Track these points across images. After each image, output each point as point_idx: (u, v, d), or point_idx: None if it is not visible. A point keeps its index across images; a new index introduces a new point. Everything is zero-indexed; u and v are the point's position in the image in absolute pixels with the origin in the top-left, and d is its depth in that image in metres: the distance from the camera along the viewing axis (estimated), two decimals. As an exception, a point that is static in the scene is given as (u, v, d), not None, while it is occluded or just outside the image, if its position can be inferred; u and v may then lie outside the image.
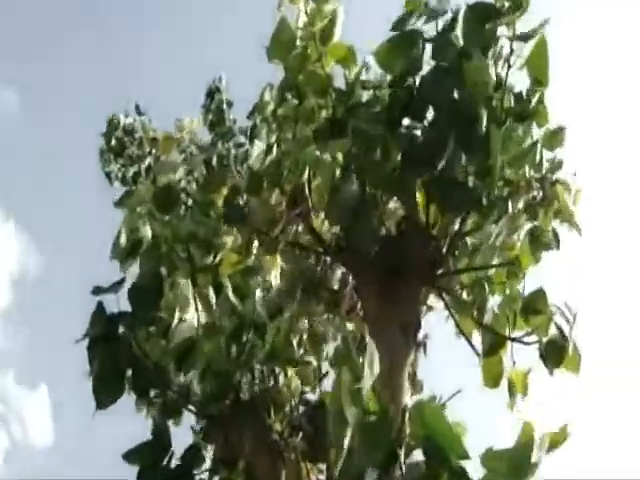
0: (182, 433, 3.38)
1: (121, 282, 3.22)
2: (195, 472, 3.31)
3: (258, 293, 3.26)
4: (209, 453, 3.36)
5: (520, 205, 3.43)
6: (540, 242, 3.52)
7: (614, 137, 11.79)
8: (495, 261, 3.41)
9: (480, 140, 3.02)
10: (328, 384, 3.38)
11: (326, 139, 3.26)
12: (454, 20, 3.13)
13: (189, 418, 3.39)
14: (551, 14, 3.12)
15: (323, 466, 3.21)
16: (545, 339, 3.27)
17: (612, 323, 9.62)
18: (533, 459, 2.09)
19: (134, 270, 3.27)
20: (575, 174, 3.65)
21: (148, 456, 3.24)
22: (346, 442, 2.08)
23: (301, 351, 3.50)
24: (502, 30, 3.15)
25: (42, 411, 19.15)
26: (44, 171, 18.05)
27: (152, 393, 3.30)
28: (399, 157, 3.15)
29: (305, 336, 3.52)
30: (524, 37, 3.10)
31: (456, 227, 3.28)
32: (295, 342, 3.44)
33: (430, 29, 3.17)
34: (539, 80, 3.18)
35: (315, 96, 3.36)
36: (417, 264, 3.22)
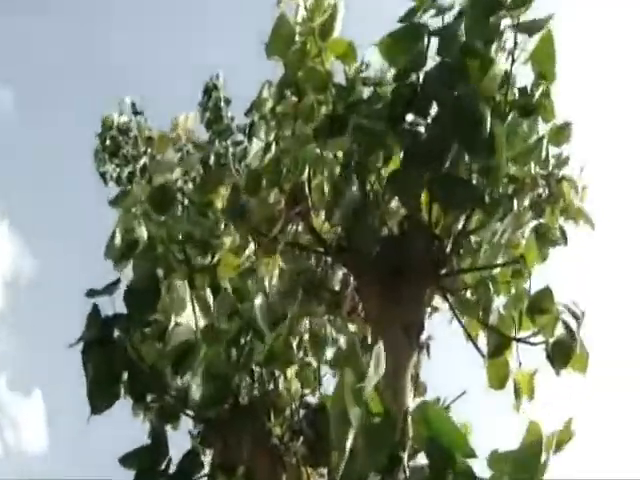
0: (180, 438, 3.34)
1: (116, 283, 3.17)
2: (193, 478, 3.25)
3: (258, 298, 3.21)
4: (208, 458, 3.31)
5: (526, 202, 3.39)
6: (546, 239, 3.48)
7: (622, 133, 11.75)
8: (500, 260, 3.37)
9: (485, 137, 2.97)
10: (329, 387, 3.34)
11: (326, 137, 3.22)
12: (461, 14, 3.07)
13: (187, 422, 3.34)
14: (557, 8, 3.09)
15: (324, 470, 3.17)
16: (552, 339, 3.22)
17: (620, 322, 9.58)
18: (541, 459, 2.06)
19: (129, 272, 3.23)
20: (582, 170, 3.63)
21: (145, 460, 3.19)
22: (348, 444, 2.02)
23: (301, 353, 3.46)
24: (506, 23, 3.10)
25: (36, 416, 19.00)
26: (38, 172, 17.95)
27: (149, 397, 3.25)
28: (401, 154, 3.11)
29: (305, 337, 3.48)
30: (529, 29, 3.05)
31: (460, 226, 3.24)
32: (295, 344, 3.40)
33: (437, 23, 3.12)
34: (544, 75, 3.13)
35: (315, 92, 3.31)
36: (420, 264, 3.18)
